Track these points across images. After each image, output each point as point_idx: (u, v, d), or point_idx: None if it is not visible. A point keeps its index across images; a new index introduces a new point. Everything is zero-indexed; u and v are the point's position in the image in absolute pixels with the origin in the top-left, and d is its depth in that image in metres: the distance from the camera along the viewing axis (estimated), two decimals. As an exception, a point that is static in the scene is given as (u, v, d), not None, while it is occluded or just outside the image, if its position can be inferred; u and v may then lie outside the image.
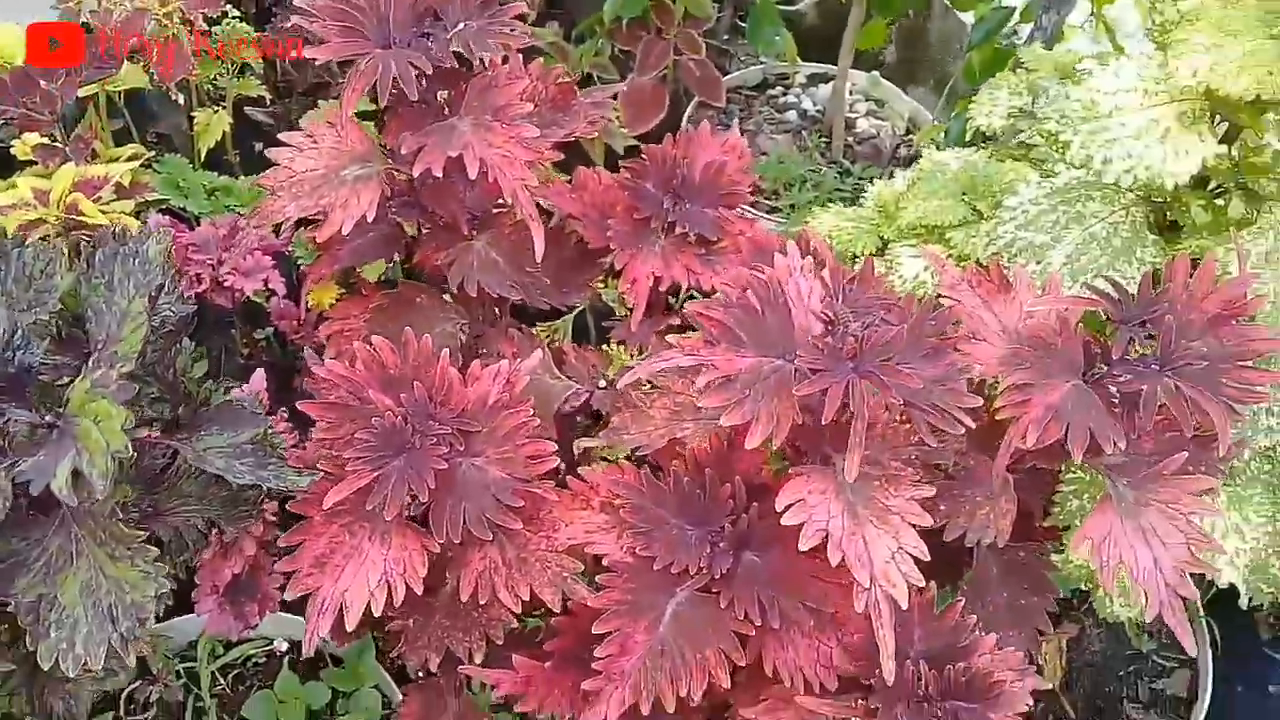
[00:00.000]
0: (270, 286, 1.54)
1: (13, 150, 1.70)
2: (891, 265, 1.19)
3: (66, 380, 0.73)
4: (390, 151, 1.01)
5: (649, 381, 0.98)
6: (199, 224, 1.58)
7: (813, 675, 0.95)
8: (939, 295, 0.97)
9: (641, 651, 0.89)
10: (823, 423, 0.80)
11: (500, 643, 1.01)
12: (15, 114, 1.72)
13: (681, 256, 1.11)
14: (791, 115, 2.26)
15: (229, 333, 1.94)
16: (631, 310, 1.12)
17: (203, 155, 1.95)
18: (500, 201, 1.10)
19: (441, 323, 1.10)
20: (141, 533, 0.71)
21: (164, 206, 1.85)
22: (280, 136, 1.00)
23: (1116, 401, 0.91)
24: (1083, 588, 1.36)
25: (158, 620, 1.47)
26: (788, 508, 0.83)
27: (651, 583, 0.89)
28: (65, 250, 0.79)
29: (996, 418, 0.95)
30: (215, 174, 1.89)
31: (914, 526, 0.86)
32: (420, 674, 1.04)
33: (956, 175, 1.19)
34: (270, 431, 0.85)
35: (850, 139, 2.19)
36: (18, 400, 0.72)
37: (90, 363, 0.71)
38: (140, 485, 0.92)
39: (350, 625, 0.88)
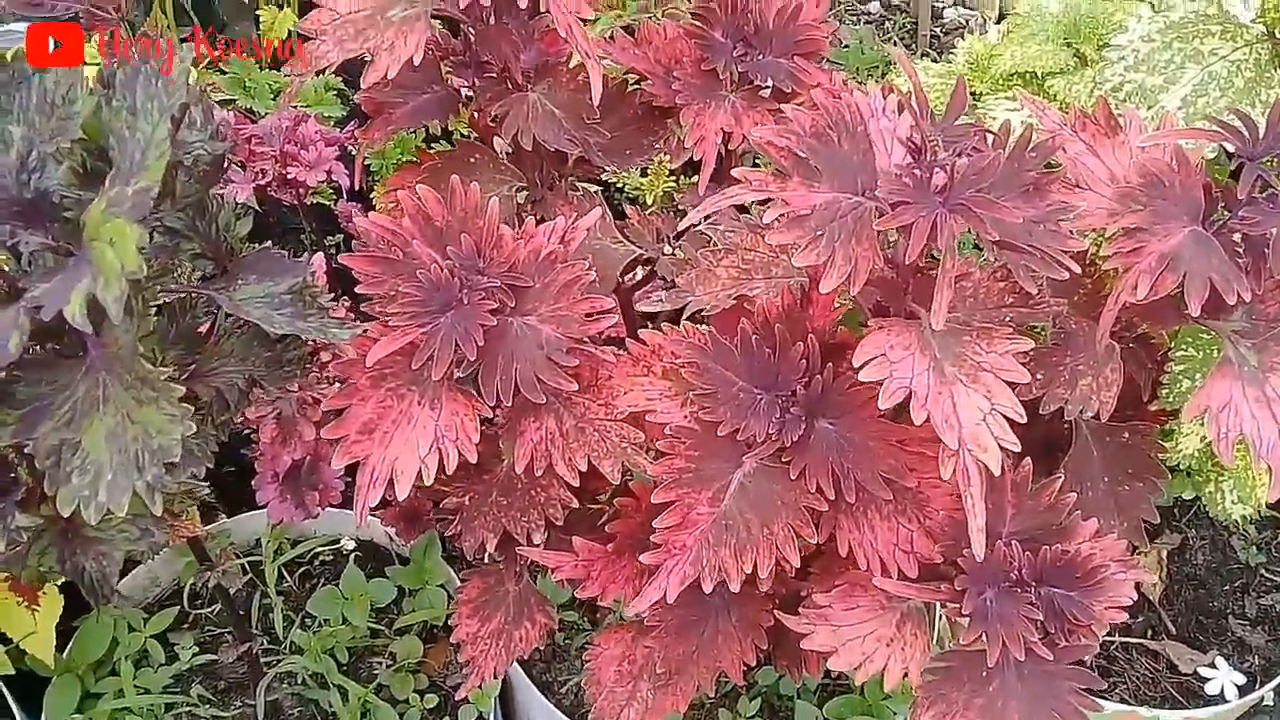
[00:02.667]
0: (335, 180, 1.51)
1: (80, 53, 1.68)
2: (984, 119, 1.09)
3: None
4: (439, -10, 0.94)
5: (713, 239, 0.90)
6: (265, 121, 1.54)
7: (891, 559, 0.87)
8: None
9: (704, 524, 0.82)
10: (906, 261, 0.72)
11: (560, 524, 0.95)
12: (80, 10, 1.69)
13: (754, 111, 1.02)
14: (874, 5, 2.14)
15: (298, 238, 1.91)
16: (698, 174, 1.04)
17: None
18: (558, 54, 1.02)
19: (497, 184, 1.04)
20: (164, 370, 0.66)
21: (231, 106, 1.82)
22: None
23: (1241, 251, 0.81)
24: (1186, 497, 1.26)
25: (227, 515, 1.47)
26: (866, 363, 0.75)
27: (716, 450, 0.82)
28: (89, 78, 0.73)
29: (1103, 269, 0.86)
30: (281, 74, 1.85)
31: (1010, 386, 0.77)
32: (478, 558, 0.99)
33: (1058, 18, 1.08)
34: (310, 281, 0.80)
35: (936, 29, 2.06)
36: (34, 226, 0.67)
37: (106, 184, 0.65)
38: (182, 345, 0.88)
39: (401, 493, 0.83)
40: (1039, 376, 0.88)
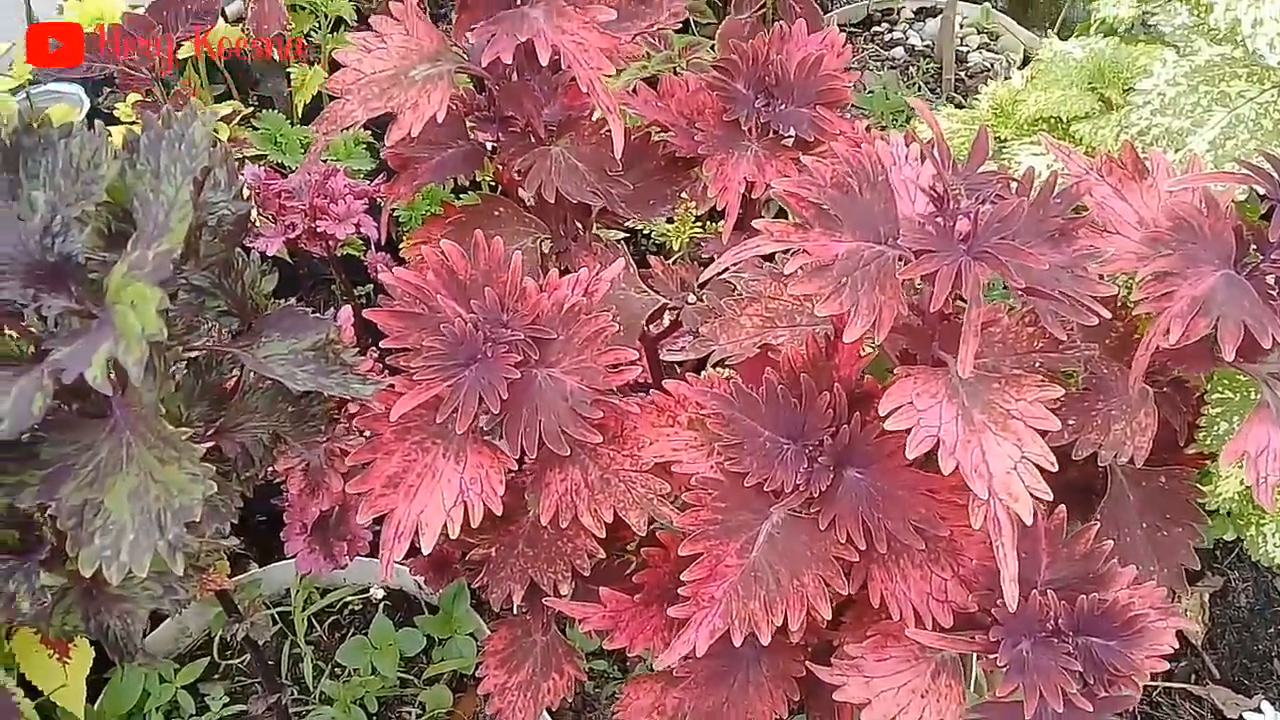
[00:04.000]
0: (363, 232, 1.52)
1: (116, 113, 1.71)
2: (1009, 164, 1.08)
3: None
4: (462, 51, 0.95)
5: (738, 287, 0.90)
6: (296, 177, 1.56)
7: (924, 609, 0.86)
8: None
9: (733, 576, 0.81)
10: (931, 310, 0.71)
11: (587, 575, 0.95)
12: (114, 70, 1.72)
13: (776, 160, 1.02)
14: (898, 51, 2.14)
15: (329, 289, 1.93)
16: (722, 224, 1.04)
17: (300, 110, 1.94)
18: (580, 108, 1.03)
19: (521, 236, 1.04)
20: (187, 429, 0.66)
21: (262, 162, 1.84)
22: (348, 37, 0.94)
23: (1275, 293, 0.79)
24: (1227, 538, 1.24)
25: (258, 565, 1.47)
26: (892, 412, 0.74)
27: (743, 501, 0.81)
28: (113, 140, 0.74)
29: (1135, 313, 0.85)
30: (312, 130, 1.88)
31: (1040, 434, 0.76)
32: (505, 609, 0.98)
33: (1082, 63, 1.08)
34: (334, 338, 0.80)
35: (962, 73, 2.06)
36: (57, 289, 0.67)
37: (129, 247, 0.66)
38: (207, 401, 0.88)
39: (426, 547, 0.82)
40: (1071, 422, 0.86)
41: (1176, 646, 0.86)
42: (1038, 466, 0.74)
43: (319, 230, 1.52)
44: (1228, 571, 1.47)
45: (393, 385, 0.82)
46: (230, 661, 1.44)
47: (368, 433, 0.83)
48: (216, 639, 1.43)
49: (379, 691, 1.41)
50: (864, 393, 0.84)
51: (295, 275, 1.88)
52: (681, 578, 0.82)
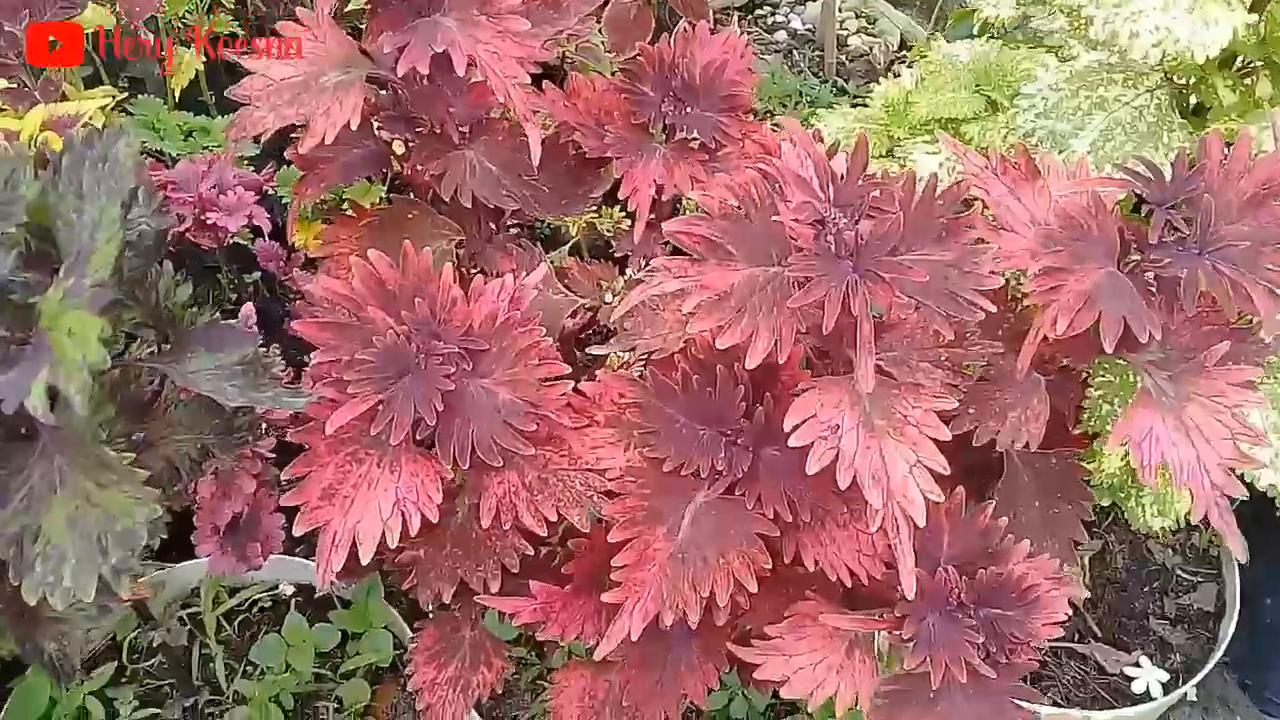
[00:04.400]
0: (255, 223, 1.50)
1: (-20, 104, 1.64)
2: (904, 162, 1.13)
3: (38, 298, 0.68)
4: (372, 56, 0.95)
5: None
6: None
7: (857, 565, 0.91)
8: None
9: (661, 559, 0.85)
10: (825, 332, 0.75)
11: (516, 571, 0.97)
12: (-20, 55, 1.65)
13: (684, 164, 1.05)
14: (781, 35, 2.19)
15: (215, 278, 1.89)
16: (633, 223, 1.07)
17: (176, 96, 1.89)
18: (491, 110, 1.04)
19: (436, 239, 1.05)
20: (129, 455, 0.66)
21: (141, 150, 1.79)
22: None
23: (1154, 290, 0.86)
24: (1103, 503, 1.33)
25: (157, 565, 1.45)
26: (797, 427, 0.78)
27: (667, 487, 0.85)
28: (33, 159, 0.73)
29: (1025, 304, 0.91)
30: (190, 114, 1.83)
31: (933, 441, 0.81)
32: (434, 607, 1.00)
33: (969, 66, 1.14)
34: (261, 352, 0.80)
35: (842, 56, 2.13)
36: (-14, 318, 0.67)
37: (61, 273, 0.65)
38: (128, 415, 0.87)
39: (364, 558, 0.84)
40: (971, 411, 0.92)
41: (1070, 614, 0.93)
42: (930, 471, 0.80)
43: (209, 222, 1.49)
44: (1105, 535, 1.57)
45: (324, 397, 0.83)
46: (139, 665, 1.42)
47: (299, 446, 0.83)
48: (125, 643, 1.41)
49: (295, 688, 1.41)
50: (771, 371, 0.87)
51: (180, 265, 1.83)
52: (612, 564, 0.85)
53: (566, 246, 1.69)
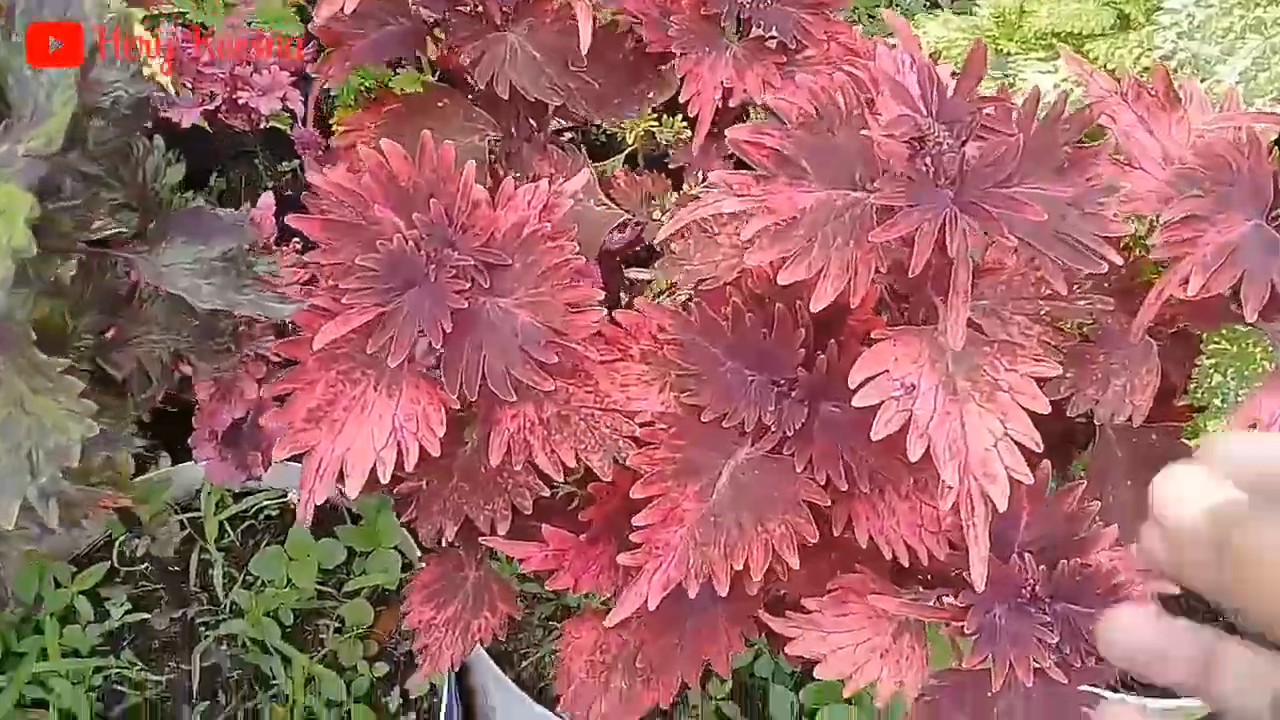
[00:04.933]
0: (289, 106, 1.39)
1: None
2: (1013, 81, 0.98)
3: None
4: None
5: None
6: (216, 39, 1.42)
7: (918, 543, 0.79)
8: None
9: (690, 521, 0.73)
10: (911, 275, 0.62)
11: (528, 513, 0.86)
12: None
13: (757, 65, 0.91)
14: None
15: (251, 164, 1.78)
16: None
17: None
18: (541, -14, 0.91)
19: (468, 133, 0.92)
20: (64, 361, 0.55)
21: (180, 21, 1.67)
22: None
23: (1308, 251, 0.72)
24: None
25: (153, 466, 1.37)
26: (863, 384, 0.66)
27: (704, 439, 0.74)
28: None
29: (1151, 257, 0.78)
30: (235, -15, 1.71)
31: (1027, 412, 0.68)
32: (435, 542, 0.90)
33: (1101, -27, 0.98)
34: (248, 246, 0.69)
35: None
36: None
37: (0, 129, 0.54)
38: (98, 309, 0.77)
39: (352, 491, 0.73)
40: (1068, 376, 0.79)
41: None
42: (1019, 446, 0.67)
43: (240, 102, 1.38)
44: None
45: (316, 305, 0.71)
46: (134, 567, 1.34)
47: (285, 360, 0.72)
48: (118, 543, 1.33)
49: (295, 604, 1.32)
50: (839, 313, 0.74)
51: (213, 148, 1.73)
52: (633, 522, 0.74)
53: (621, 156, 1.56)
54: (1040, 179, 0.64)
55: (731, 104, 0.92)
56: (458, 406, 0.72)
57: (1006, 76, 0.99)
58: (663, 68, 0.95)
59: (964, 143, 0.62)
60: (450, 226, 0.72)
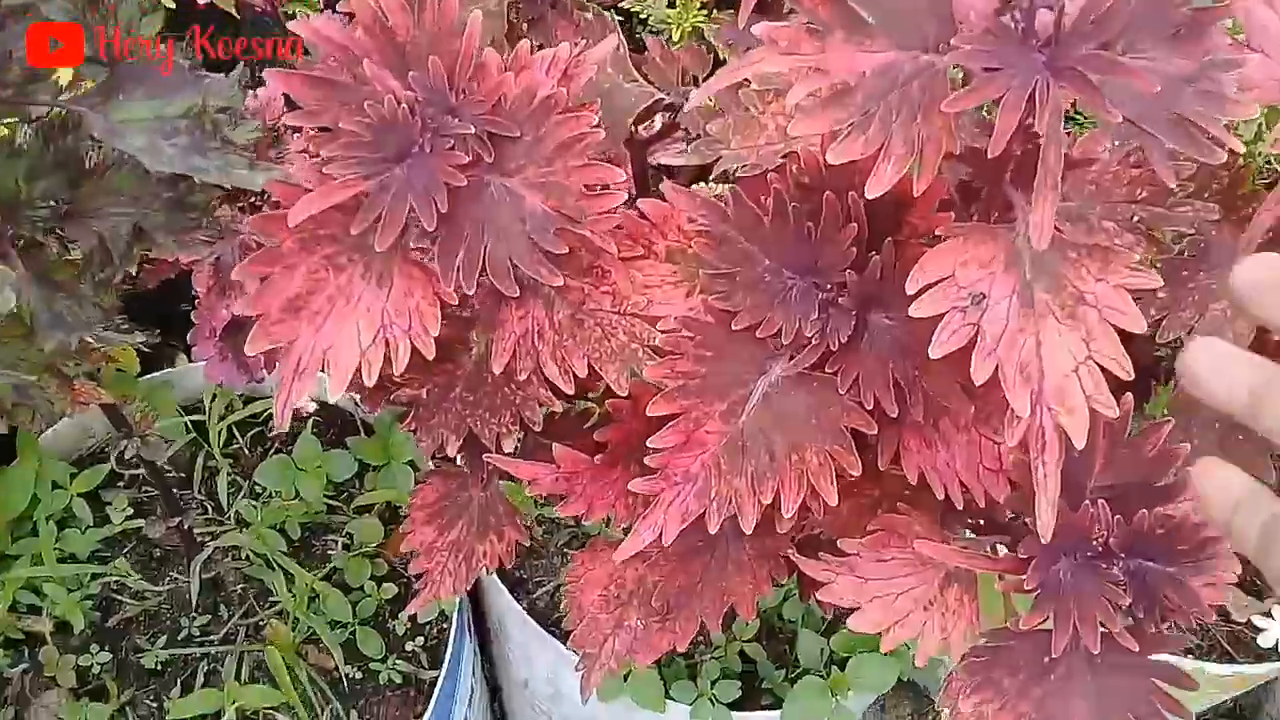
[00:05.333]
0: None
1: None
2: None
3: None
4: None
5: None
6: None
7: (975, 482, 0.69)
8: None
9: (715, 446, 0.64)
10: (991, 155, 0.52)
11: (538, 429, 0.77)
12: None
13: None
14: None
15: (271, 31, 1.68)
16: None
17: None
18: None
19: (484, -4, 0.82)
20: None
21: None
22: None
23: None
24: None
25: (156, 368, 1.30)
26: (924, 290, 0.55)
27: (735, 352, 0.63)
28: None
29: (1244, 162, 0.66)
30: None
31: (1118, 332, 0.57)
32: (437, 457, 0.81)
33: None
34: (216, 101, 0.60)
35: None
36: None
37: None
38: (59, 174, 0.68)
39: (334, 393, 0.64)
40: (1162, 295, 0.68)
41: (1240, 573, 0.71)
42: (1105, 371, 0.56)
43: (263, -29, 1.29)
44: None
45: (293, 176, 0.62)
46: (137, 470, 1.28)
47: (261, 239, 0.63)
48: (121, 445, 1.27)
49: (302, 518, 1.26)
50: (899, 207, 0.63)
51: (237, 31, 1.64)
52: (649, 443, 0.65)
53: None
54: (1151, 46, 0.53)
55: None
56: (455, 301, 0.63)
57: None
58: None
59: (1067, -4, 0.51)
60: (452, 91, 0.62)
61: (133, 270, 0.68)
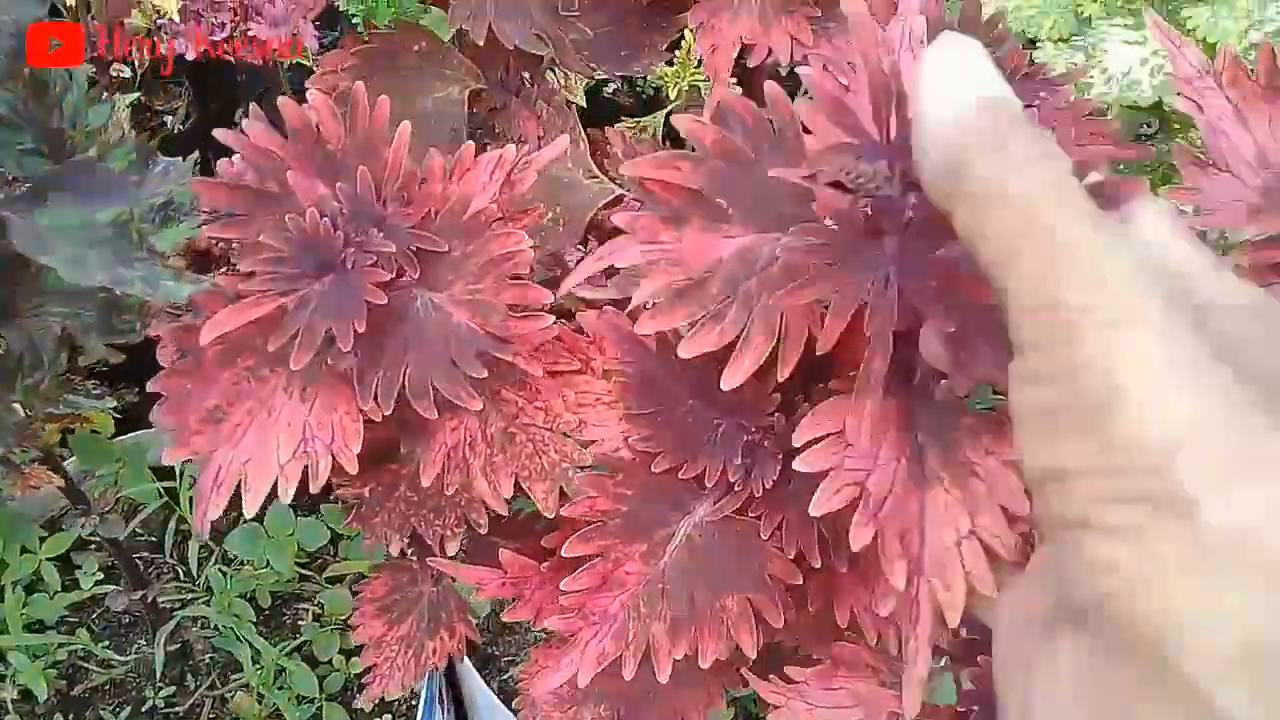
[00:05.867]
0: (302, 39, 1.29)
1: None
2: (1092, 53, 0.82)
3: None
4: None
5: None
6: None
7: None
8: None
9: (634, 586, 0.60)
10: (819, 352, 0.46)
11: (484, 530, 0.75)
12: None
13: (787, 18, 0.77)
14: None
15: (274, 99, 1.68)
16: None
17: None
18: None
19: (446, 83, 0.79)
20: None
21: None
22: None
23: None
24: None
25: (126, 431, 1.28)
26: (811, 445, 0.47)
27: (657, 492, 0.59)
28: None
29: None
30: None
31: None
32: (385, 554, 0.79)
33: (1208, -74, 0.82)
34: (144, 211, 0.58)
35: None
36: None
37: None
38: (-6, 274, 0.66)
39: (250, 509, 0.62)
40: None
41: None
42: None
43: (250, 34, 1.28)
44: None
45: (219, 286, 0.60)
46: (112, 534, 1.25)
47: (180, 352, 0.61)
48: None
49: (273, 586, 1.23)
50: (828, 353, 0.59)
51: (235, 80, 1.64)
52: (564, 586, 0.61)
53: (663, 112, 1.43)
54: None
55: (753, 64, 0.78)
56: (378, 419, 0.61)
57: (1086, 46, 0.83)
58: (680, 15, 0.82)
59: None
60: (378, 201, 0.60)
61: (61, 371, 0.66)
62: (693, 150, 0.44)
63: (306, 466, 0.60)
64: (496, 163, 0.63)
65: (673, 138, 1.13)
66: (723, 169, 0.43)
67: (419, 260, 0.59)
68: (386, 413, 0.58)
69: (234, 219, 0.60)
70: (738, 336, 0.43)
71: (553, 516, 0.65)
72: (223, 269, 0.80)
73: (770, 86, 0.43)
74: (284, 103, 0.61)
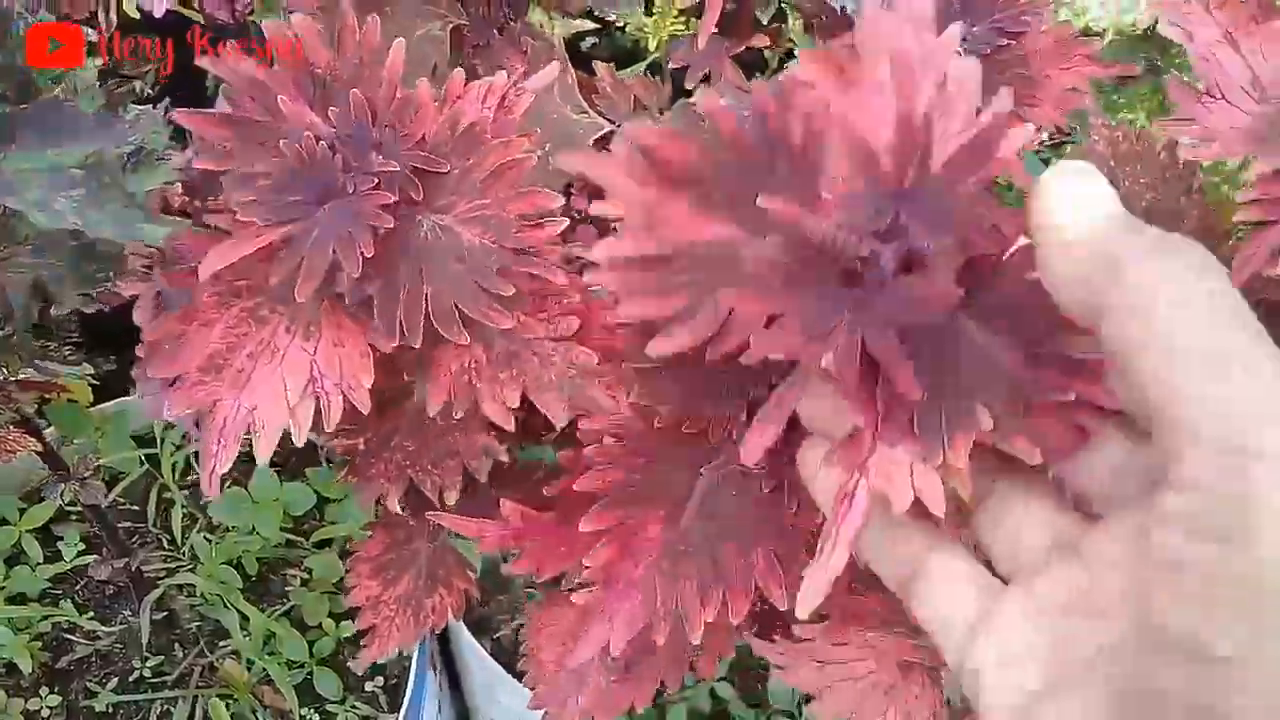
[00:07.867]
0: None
1: None
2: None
3: None
4: None
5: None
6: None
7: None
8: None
9: (655, 553, 0.58)
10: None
11: (484, 480, 0.73)
12: None
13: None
14: None
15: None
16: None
17: None
18: None
19: (427, 20, 0.76)
20: None
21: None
22: None
23: None
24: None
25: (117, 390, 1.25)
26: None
27: (670, 454, 0.56)
28: None
29: (1236, 219, 0.62)
30: None
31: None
32: (377, 510, 0.77)
33: None
34: (117, 152, 0.55)
35: None
36: None
37: None
38: (-42, 223, 0.63)
39: (262, 456, 0.60)
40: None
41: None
42: None
43: (229, -23, 1.25)
44: None
45: (208, 226, 0.57)
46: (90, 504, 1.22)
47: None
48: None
49: (259, 553, 1.21)
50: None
51: (205, 44, 1.60)
52: (584, 562, 0.59)
53: (642, 65, 1.40)
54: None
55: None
56: (388, 349, 0.58)
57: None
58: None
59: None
60: (373, 125, 0.57)
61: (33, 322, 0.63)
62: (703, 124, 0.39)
63: (319, 408, 0.58)
64: (488, 89, 0.61)
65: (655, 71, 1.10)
66: (728, 159, 0.37)
67: (422, 181, 0.56)
68: (415, 345, 0.56)
69: (230, 151, 0.57)
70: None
71: (559, 431, 0.63)
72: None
73: (804, 98, 0.37)
74: (269, 25, 0.58)
